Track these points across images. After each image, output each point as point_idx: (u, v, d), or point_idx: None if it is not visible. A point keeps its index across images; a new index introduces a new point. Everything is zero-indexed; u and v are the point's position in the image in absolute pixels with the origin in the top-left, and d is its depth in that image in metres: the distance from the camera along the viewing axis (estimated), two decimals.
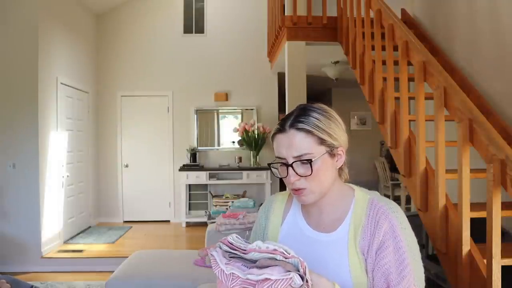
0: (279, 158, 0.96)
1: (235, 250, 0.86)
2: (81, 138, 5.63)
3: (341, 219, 0.99)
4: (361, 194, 1.01)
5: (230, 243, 0.87)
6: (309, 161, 0.92)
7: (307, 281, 0.78)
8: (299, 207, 1.07)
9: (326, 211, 1.01)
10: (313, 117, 0.95)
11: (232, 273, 0.82)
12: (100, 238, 5.20)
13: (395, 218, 0.94)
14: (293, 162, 0.93)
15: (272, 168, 1.00)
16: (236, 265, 0.83)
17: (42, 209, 4.36)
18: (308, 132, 0.93)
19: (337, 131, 0.97)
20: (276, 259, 0.80)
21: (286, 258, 0.80)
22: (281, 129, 0.96)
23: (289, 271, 0.78)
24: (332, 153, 0.96)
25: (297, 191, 0.96)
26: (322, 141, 0.94)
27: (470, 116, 1.82)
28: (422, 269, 0.95)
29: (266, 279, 0.77)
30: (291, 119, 0.96)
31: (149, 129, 6.36)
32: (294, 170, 0.93)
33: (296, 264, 0.79)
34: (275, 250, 0.81)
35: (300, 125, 0.94)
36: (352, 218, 0.97)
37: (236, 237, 0.88)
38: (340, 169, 1.02)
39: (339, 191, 1.02)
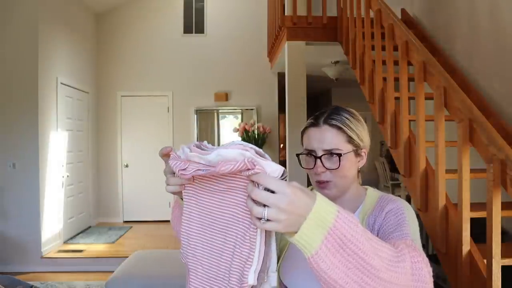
0: (308, 150, 1.02)
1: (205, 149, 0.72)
2: (81, 138, 5.63)
3: (352, 213, 1.03)
4: (373, 193, 1.07)
5: (203, 144, 0.74)
6: (338, 155, 0.98)
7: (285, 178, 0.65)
8: None
9: (342, 207, 1.05)
10: (344, 117, 1.02)
11: (190, 160, 0.67)
12: (100, 238, 5.20)
13: (401, 203, 0.99)
14: (322, 155, 0.99)
15: (298, 159, 1.06)
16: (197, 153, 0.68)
17: (42, 209, 4.36)
18: (340, 129, 1.00)
19: (364, 133, 1.05)
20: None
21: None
22: (314, 123, 1.03)
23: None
24: (357, 153, 1.03)
25: (321, 184, 1.01)
26: (350, 140, 1.01)
27: (470, 116, 1.82)
28: (420, 243, 0.95)
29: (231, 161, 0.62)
30: (324, 116, 1.02)
31: (149, 129, 6.36)
32: (322, 163, 0.99)
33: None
34: (252, 148, 0.67)
35: (333, 122, 1.00)
36: (361, 212, 1.03)
37: (210, 144, 0.75)
38: (358, 171, 1.09)
39: (356, 190, 1.08)
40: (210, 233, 0.75)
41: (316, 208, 0.61)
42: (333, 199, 1.04)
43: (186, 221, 0.78)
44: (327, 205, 0.63)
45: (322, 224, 0.61)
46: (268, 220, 0.60)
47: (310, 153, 1.02)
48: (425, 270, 0.73)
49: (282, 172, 0.64)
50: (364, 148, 1.05)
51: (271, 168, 0.63)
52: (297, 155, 1.07)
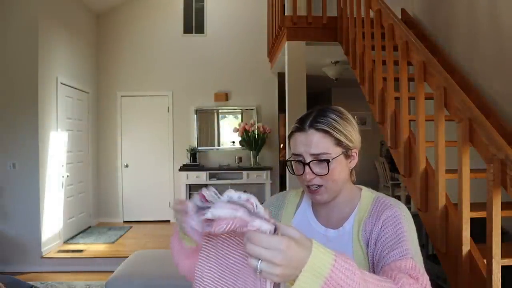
0: (296, 155, 0.99)
1: (208, 204, 0.75)
2: (81, 138, 5.63)
3: (347, 216, 1.03)
4: (367, 193, 1.05)
5: (204, 197, 0.77)
6: (327, 161, 0.95)
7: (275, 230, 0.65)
8: (309, 203, 1.11)
9: (336, 210, 1.05)
10: (331, 118, 0.98)
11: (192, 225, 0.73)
12: (100, 238, 5.20)
13: (399, 210, 0.97)
14: (310, 161, 0.96)
15: (287, 165, 1.04)
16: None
17: (42, 209, 4.36)
18: (327, 132, 0.96)
19: (353, 133, 1.01)
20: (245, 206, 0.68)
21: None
22: (300, 128, 0.99)
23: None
24: (347, 154, 1.00)
25: (312, 190, 0.99)
26: (339, 142, 0.97)
27: (470, 116, 1.82)
28: (420, 255, 0.94)
29: (227, 219, 0.65)
30: (310, 119, 0.98)
31: (149, 129, 6.36)
32: (311, 169, 0.96)
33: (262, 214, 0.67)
34: (247, 200, 0.68)
35: (319, 126, 0.96)
36: (357, 214, 1.01)
37: (214, 192, 0.77)
38: (351, 171, 1.06)
39: (349, 191, 1.05)
40: (224, 275, 0.78)
41: (311, 260, 0.61)
42: (326, 203, 1.03)
43: (204, 259, 0.81)
44: (324, 255, 0.63)
45: (318, 275, 0.61)
46: (262, 271, 0.61)
47: (298, 159, 0.99)
48: None
49: (273, 230, 0.64)
50: (355, 148, 1.02)
51: (262, 226, 0.63)
52: (285, 161, 1.05)
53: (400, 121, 2.52)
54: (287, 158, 1.08)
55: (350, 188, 1.06)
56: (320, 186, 0.98)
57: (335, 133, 0.97)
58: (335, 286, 0.62)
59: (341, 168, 0.99)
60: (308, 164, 0.96)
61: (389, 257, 0.88)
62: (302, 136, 0.98)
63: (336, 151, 0.97)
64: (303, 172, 0.97)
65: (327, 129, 0.96)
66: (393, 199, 1.03)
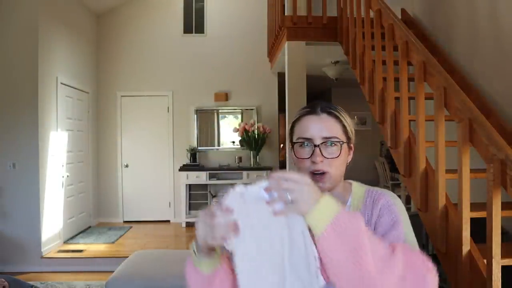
0: (304, 139, 0.99)
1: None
2: (81, 138, 5.63)
3: None
4: (358, 187, 1.07)
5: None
6: (340, 143, 0.98)
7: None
8: None
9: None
10: (338, 108, 1.03)
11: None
12: (100, 238, 5.20)
13: (390, 197, 1.00)
14: (321, 143, 0.97)
15: (293, 148, 1.02)
16: None
17: (42, 209, 4.36)
18: (337, 118, 1.00)
19: (352, 127, 1.05)
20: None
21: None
22: (311, 111, 1.01)
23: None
24: (349, 145, 1.03)
25: (317, 177, 0.97)
26: (345, 130, 1.01)
27: (470, 116, 1.82)
28: (414, 236, 0.97)
29: None
30: (320, 105, 1.02)
31: (149, 129, 6.36)
32: (321, 151, 0.97)
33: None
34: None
35: (331, 111, 1.01)
36: (352, 205, 1.02)
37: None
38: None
39: (342, 185, 1.07)
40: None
41: (324, 198, 0.82)
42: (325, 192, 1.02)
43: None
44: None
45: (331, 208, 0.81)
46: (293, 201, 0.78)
47: (307, 141, 0.98)
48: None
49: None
50: (352, 142, 1.05)
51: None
52: (293, 143, 1.02)
53: (400, 121, 2.52)
54: (293, 141, 1.06)
55: (343, 182, 1.07)
56: (325, 172, 0.98)
57: (344, 121, 1.01)
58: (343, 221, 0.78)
59: (345, 157, 1.01)
60: (319, 146, 0.97)
61: (384, 239, 0.91)
62: (314, 119, 1.00)
63: (343, 138, 1.00)
64: (312, 155, 0.97)
65: (338, 115, 1.00)
66: (380, 188, 1.05)
